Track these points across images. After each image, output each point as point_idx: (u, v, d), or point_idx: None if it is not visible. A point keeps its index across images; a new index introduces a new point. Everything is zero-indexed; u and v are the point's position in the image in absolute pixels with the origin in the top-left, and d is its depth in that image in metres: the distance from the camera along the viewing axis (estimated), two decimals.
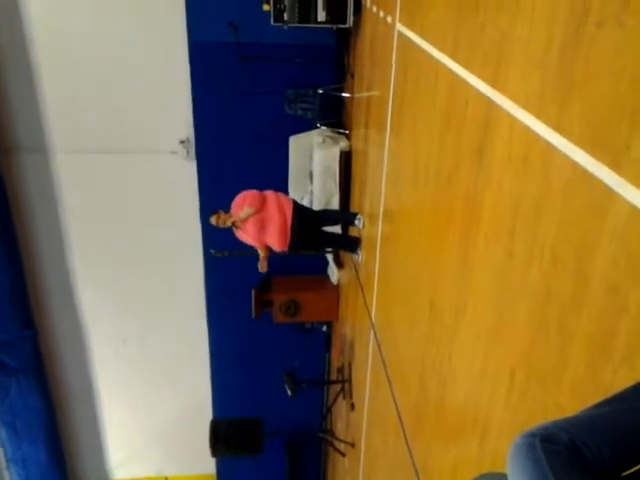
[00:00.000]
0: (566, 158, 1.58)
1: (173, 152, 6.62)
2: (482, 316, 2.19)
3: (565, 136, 1.60)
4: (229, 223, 4.71)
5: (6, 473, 7.79)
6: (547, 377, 1.70)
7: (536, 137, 1.74)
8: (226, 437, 6.02)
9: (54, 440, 7.71)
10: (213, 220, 4.75)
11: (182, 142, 6.55)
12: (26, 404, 7.24)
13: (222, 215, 4.73)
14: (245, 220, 4.69)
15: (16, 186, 6.56)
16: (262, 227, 4.72)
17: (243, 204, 4.70)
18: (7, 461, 7.66)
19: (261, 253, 4.90)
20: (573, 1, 1.56)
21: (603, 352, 1.43)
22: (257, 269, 4.89)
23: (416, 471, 3.18)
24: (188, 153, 6.59)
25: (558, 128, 1.63)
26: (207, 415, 7.26)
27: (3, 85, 6.14)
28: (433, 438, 2.90)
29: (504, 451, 1.09)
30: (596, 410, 1.16)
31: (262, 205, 4.75)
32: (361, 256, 5.07)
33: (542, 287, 1.72)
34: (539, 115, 1.74)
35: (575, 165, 1.54)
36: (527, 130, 1.80)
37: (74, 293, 7.28)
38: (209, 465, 7.97)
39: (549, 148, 1.67)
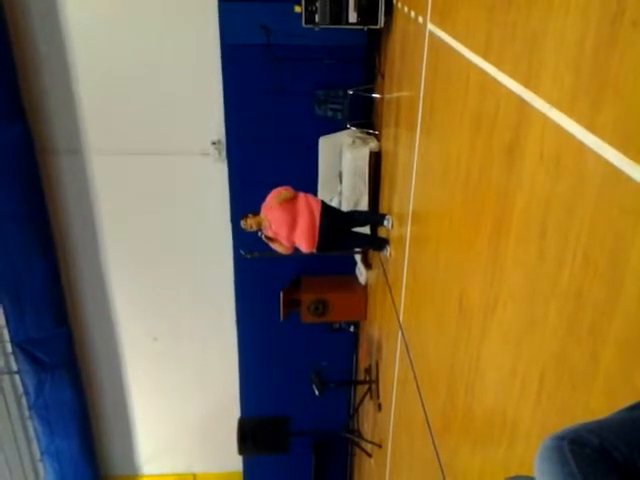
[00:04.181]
0: (599, 157, 1.56)
1: (205, 153, 6.71)
2: (512, 317, 2.17)
3: (598, 135, 1.57)
4: (255, 226, 4.77)
5: (40, 465, 7.99)
6: (578, 380, 1.67)
7: (569, 136, 1.72)
8: (253, 435, 6.06)
9: (86, 434, 7.88)
10: (242, 224, 4.83)
11: (214, 143, 6.64)
12: (60, 399, 7.42)
13: (249, 218, 4.79)
14: (276, 218, 4.73)
15: (53, 187, 6.74)
16: (292, 223, 4.74)
17: (278, 194, 4.73)
18: (41, 454, 7.86)
19: (284, 252, 4.93)
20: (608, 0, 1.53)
21: (636, 355, 1.41)
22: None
23: (442, 473, 3.16)
24: (220, 154, 6.67)
25: (591, 127, 1.61)
26: (235, 413, 7.33)
27: (41, 91, 6.32)
28: (460, 440, 2.88)
29: (532, 454, 1.08)
30: (627, 413, 1.14)
31: (294, 197, 4.80)
32: (390, 251, 5.05)
33: (574, 289, 1.69)
34: (571, 114, 1.71)
35: (609, 164, 1.51)
36: (559, 129, 1.78)
37: (107, 292, 7.44)
38: (237, 463, 8.05)
39: (582, 147, 1.64)
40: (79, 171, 6.75)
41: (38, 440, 7.76)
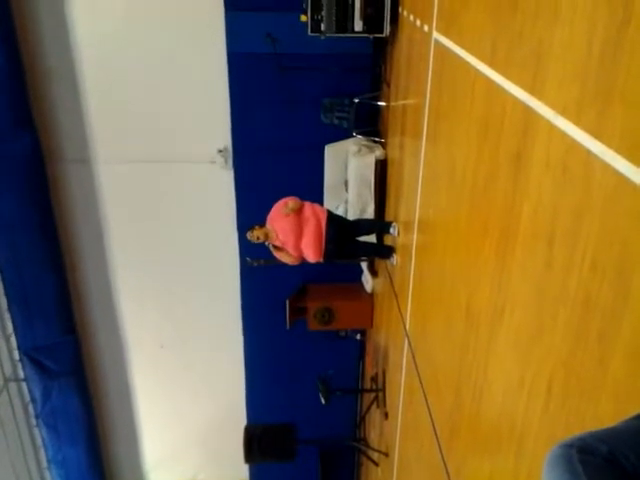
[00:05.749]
0: (607, 165, 1.56)
1: (211, 161, 6.74)
2: (519, 324, 2.16)
3: (605, 143, 1.57)
4: (262, 238, 4.78)
5: (47, 473, 7.99)
6: (586, 387, 1.66)
7: (575, 144, 1.72)
8: (260, 443, 6.04)
9: (93, 442, 7.88)
10: (248, 236, 4.83)
11: (220, 151, 6.67)
12: (67, 407, 7.42)
13: (256, 230, 4.79)
14: (282, 227, 4.75)
15: (61, 195, 6.77)
16: (299, 232, 4.76)
17: (285, 205, 4.74)
18: (48, 461, 7.86)
19: (292, 262, 4.94)
20: (614, 7, 1.54)
21: None
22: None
23: None
24: (226, 162, 6.70)
25: (598, 135, 1.61)
26: (242, 421, 7.31)
27: (50, 100, 6.37)
28: (468, 448, 2.86)
29: (540, 462, 1.08)
30: (636, 421, 1.13)
31: (301, 207, 4.82)
32: (396, 259, 5.05)
33: (581, 296, 1.69)
34: (578, 122, 1.71)
35: (616, 172, 1.51)
36: (566, 137, 1.78)
37: (114, 300, 7.46)
38: (243, 471, 8.02)
39: (589, 155, 1.65)
40: (87, 180, 6.79)
41: (45, 448, 7.76)
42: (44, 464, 7.91)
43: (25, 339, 6.99)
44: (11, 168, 6.17)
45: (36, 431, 7.68)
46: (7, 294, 6.76)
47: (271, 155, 6.48)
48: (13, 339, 7.05)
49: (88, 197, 6.87)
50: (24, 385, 7.39)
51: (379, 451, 5.98)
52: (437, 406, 3.53)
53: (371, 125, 6.34)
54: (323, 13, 5.19)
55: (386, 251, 5.27)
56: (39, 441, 7.74)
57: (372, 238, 5.62)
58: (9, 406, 7.28)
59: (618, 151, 1.51)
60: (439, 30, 3.49)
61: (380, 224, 5.56)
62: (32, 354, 7.06)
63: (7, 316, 6.91)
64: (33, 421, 7.61)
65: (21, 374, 7.28)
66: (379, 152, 5.85)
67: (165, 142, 6.69)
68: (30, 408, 7.52)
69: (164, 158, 6.73)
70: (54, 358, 7.14)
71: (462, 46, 2.96)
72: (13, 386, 7.35)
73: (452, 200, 3.18)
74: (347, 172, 6.14)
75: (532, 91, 2.05)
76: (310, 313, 6.59)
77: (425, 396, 3.79)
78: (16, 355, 7.16)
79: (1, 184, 6.20)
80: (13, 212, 6.34)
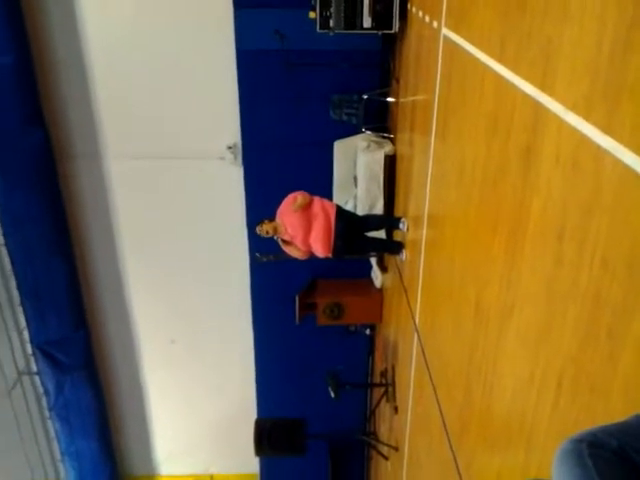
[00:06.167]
0: (617, 161, 1.56)
1: (221, 158, 6.76)
2: (529, 320, 2.17)
3: (616, 138, 1.57)
4: (271, 232, 4.79)
5: (60, 465, 8.10)
6: (596, 383, 1.67)
7: (585, 139, 1.72)
8: (270, 437, 6.09)
9: (105, 435, 7.96)
10: (258, 230, 4.85)
11: (229, 148, 6.68)
12: (79, 400, 7.51)
13: (265, 224, 4.81)
14: (292, 222, 4.76)
15: (71, 191, 6.83)
16: (308, 227, 4.77)
17: (294, 200, 4.75)
18: (61, 454, 7.96)
19: (300, 256, 4.96)
20: (624, 6, 1.54)
21: None
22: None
23: (460, 476, 3.16)
24: (235, 158, 6.72)
25: (608, 130, 1.61)
26: (252, 415, 7.36)
27: (61, 97, 6.42)
28: (478, 443, 2.87)
29: (550, 458, 1.09)
30: None
31: (310, 202, 4.82)
32: (406, 255, 5.05)
33: (592, 292, 1.69)
34: (588, 117, 1.71)
35: (626, 167, 1.52)
36: (576, 133, 1.78)
37: (125, 294, 7.52)
38: (254, 465, 8.07)
39: (599, 150, 1.65)
40: (97, 175, 6.84)
41: (58, 440, 7.86)
42: (58, 456, 8.01)
43: (38, 333, 7.07)
44: (22, 163, 6.23)
45: (49, 423, 7.78)
46: (19, 289, 6.84)
47: (280, 151, 6.49)
48: (26, 333, 7.14)
49: (98, 193, 6.92)
50: (37, 378, 7.49)
51: (389, 445, 6.00)
52: (447, 401, 3.55)
53: (380, 121, 6.33)
54: (332, 9, 5.18)
55: (395, 247, 5.27)
56: (52, 433, 7.84)
57: (381, 234, 5.62)
58: (23, 399, 7.38)
59: (628, 146, 1.51)
60: (448, 26, 3.48)
61: (389, 220, 5.56)
62: (45, 348, 7.15)
63: (20, 310, 7.00)
64: (46, 414, 7.71)
65: (34, 367, 7.37)
66: (388, 148, 5.85)
67: (174, 138, 6.71)
68: (43, 401, 7.61)
69: (173, 154, 6.76)
70: (66, 352, 7.22)
71: (471, 42, 2.95)
72: (26, 379, 7.44)
73: (461, 196, 3.18)
74: (356, 168, 6.14)
75: (542, 87, 2.05)
76: (320, 308, 6.61)
77: (435, 391, 3.80)
78: (29, 349, 7.25)
79: (12, 179, 6.27)
80: (24, 207, 6.40)
